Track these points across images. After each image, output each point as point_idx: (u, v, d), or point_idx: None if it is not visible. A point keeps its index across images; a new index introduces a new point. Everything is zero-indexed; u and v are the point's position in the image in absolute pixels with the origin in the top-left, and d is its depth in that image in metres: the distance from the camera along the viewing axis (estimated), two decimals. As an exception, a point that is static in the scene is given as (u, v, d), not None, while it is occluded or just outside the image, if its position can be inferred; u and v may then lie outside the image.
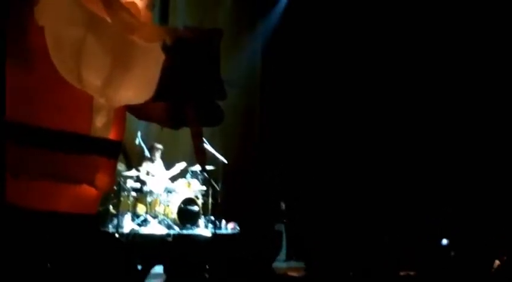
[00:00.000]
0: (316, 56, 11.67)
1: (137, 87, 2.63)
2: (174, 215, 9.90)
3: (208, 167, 9.64)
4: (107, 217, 9.34)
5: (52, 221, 2.64)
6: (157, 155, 10.45)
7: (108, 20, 2.54)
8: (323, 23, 11.41)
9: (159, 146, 10.43)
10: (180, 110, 2.79)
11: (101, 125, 2.66)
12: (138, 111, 2.98)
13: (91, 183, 2.69)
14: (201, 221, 10.28)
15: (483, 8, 9.26)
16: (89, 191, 2.73)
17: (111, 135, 2.76)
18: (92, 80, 2.52)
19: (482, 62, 9.51)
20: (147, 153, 10.33)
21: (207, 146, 9.47)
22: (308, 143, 11.63)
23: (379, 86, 10.70)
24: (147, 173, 10.14)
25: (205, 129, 2.85)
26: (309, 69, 11.81)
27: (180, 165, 10.37)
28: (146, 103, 2.73)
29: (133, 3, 2.68)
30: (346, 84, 11.19)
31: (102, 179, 2.74)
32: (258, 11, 13.22)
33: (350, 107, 11.14)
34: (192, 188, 10.45)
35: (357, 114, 11.03)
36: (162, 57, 2.63)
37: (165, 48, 2.63)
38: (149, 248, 9.26)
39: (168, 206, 10.07)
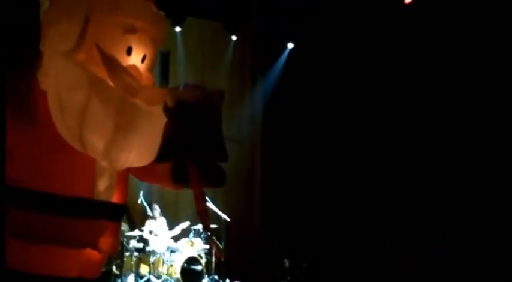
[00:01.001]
0: (316, 108, 11.73)
1: (140, 149, 2.63)
2: (178, 275, 9.80)
3: (211, 226, 9.63)
4: (110, 278, 9.26)
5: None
6: (156, 213, 10.42)
7: (111, 83, 2.55)
8: (323, 75, 11.50)
9: (156, 205, 10.40)
10: (182, 171, 2.80)
11: (103, 188, 2.66)
12: (141, 173, 2.98)
13: (95, 247, 2.68)
14: (205, 281, 10.17)
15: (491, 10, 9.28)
16: (93, 255, 2.71)
17: (115, 198, 2.75)
18: (95, 143, 2.52)
19: (491, 66, 9.50)
20: (149, 212, 10.30)
21: (210, 204, 9.44)
22: (311, 197, 11.59)
23: (380, 131, 10.71)
24: (150, 232, 10.10)
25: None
26: (309, 121, 11.86)
27: (183, 225, 10.32)
28: (149, 165, 2.73)
29: (135, 66, 2.70)
30: (347, 133, 11.22)
31: (106, 242, 2.73)
32: (258, 66, 13.33)
33: (351, 156, 11.13)
34: (196, 247, 10.37)
35: (358, 165, 11.01)
36: (164, 119, 2.65)
37: (167, 111, 2.64)
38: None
39: (171, 265, 9.98)
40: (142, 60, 2.79)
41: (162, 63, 10.74)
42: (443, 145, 9.79)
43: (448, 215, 9.39)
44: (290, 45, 12.94)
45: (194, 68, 12.40)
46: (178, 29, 11.95)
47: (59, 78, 2.54)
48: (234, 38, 12.87)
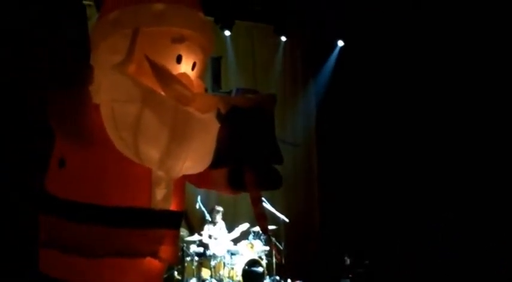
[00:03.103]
0: (369, 106, 11.62)
1: (195, 157, 2.65)
2: (239, 278, 9.81)
3: (270, 227, 9.60)
4: (172, 283, 9.36)
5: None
6: (219, 217, 10.43)
7: (162, 93, 2.57)
8: (375, 73, 11.39)
9: (220, 208, 10.42)
10: (238, 177, 2.80)
11: (161, 197, 2.68)
12: (197, 180, 2.99)
13: (155, 256, 2.70)
14: (267, 282, 10.18)
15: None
16: (153, 264, 2.73)
17: (172, 206, 2.77)
18: (151, 153, 2.54)
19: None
20: (208, 217, 10.33)
21: (267, 206, 9.43)
22: (369, 194, 11.49)
23: (434, 129, 10.56)
24: (209, 237, 10.13)
25: (264, 189, 2.85)
26: (363, 119, 11.75)
27: (242, 227, 10.32)
28: (204, 172, 2.75)
29: (185, 75, 2.71)
30: (402, 131, 11.08)
31: (166, 250, 2.74)
32: (310, 66, 13.25)
33: (407, 153, 11.00)
34: (255, 249, 10.37)
35: (414, 162, 10.88)
36: (217, 126, 2.65)
37: (220, 117, 2.65)
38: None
39: (232, 268, 10.00)
40: (193, 68, 2.80)
41: (214, 69, 10.75)
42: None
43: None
44: (340, 43, 12.85)
45: (245, 71, 12.39)
46: (227, 33, 11.97)
47: (111, 91, 2.57)
48: (283, 39, 12.84)
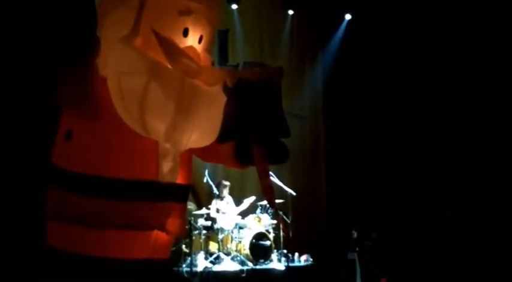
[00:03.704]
0: (376, 79, 11.60)
1: (201, 130, 2.65)
2: (247, 251, 9.86)
3: (277, 201, 9.62)
4: (180, 257, 9.38)
5: (127, 268, 2.66)
6: (226, 191, 10.46)
7: (169, 66, 2.57)
8: (382, 47, 11.35)
9: (227, 182, 10.44)
10: (245, 150, 2.80)
11: (168, 170, 2.68)
12: (204, 153, 2.99)
13: (162, 229, 2.71)
14: (274, 255, 10.21)
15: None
16: (161, 236, 2.74)
17: (179, 180, 2.78)
18: (157, 126, 2.54)
19: None
20: (215, 191, 10.36)
21: (275, 180, 9.45)
22: (376, 167, 11.50)
23: (442, 109, 10.54)
24: (217, 211, 10.17)
25: (271, 163, 2.84)
26: (370, 92, 11.74)
27: (249, 200, 10.35)
28: (211, 145, 2.75)
29: (192, 48, 2.70)
30: (408, 105, 11.06)
31: (173, 223, 2.75)
32: (317, 40, 13.23)
33: (413, 128, 10.99)
34: (263, 223, 10.41)
35: (421, 133, 10.87)
36: (224, 99, 2.65)
37: (227, 90, 2.64)
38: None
39: (239, 242, 10.04)
40: (199, 41, 2.79)
41: (221, 42, 10.72)
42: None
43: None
44: (348, 17, 12.79)
45: (252, 45, 12.37)
46: (234, 6, 11.93)
47: (118, 64, 2.57)
48: (290, 12, 12.79)
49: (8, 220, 3.24)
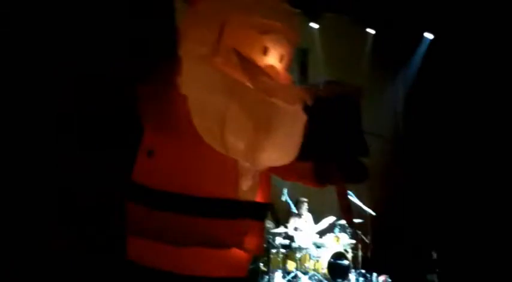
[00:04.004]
0: (458, 101, 11.40)
1: (281, 149, 2.65)
2: (324, 270, 9.81)
3: (356, 220, 9.55)
4: (257, 275, 9.40)
5: (205, 286, 2.69)
6: (304, 209, 10.45)
7: (249, 85, 2.58)
8: (465, 67, 11.16)
9: (304, 199, 10.43)
10: (324, 169, 2.79)
11: (247, 188, 2.69)
12: (283, 172, 2.99)
13: (240, 247, 2.72)
14: (352, 275, 10.12)
15: None
16: (238, 254, 2.75)
17: (258, 198, 2.79)
18: (237, 144, 2.56)
19: None
20: (293, 209, 10.36)
21: (353, 199, 9.39)
22: (458, 188, 11.28)
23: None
24: (295, 229, 10.16)
25: (351, 182, 2.82)
26: (451, 114, 11.55)
27: (329, 220, 10.31)
28: (290, 164, 2.75)
29: (272, 67, 2.72)
30: (491, 127, 10.83)
31: (251, 241, 2.76)
32: (398, 59, 13.13)
33: (494, 150, 10.74)
34: (341, 242, 10.35)
35: (500, 159, 10.61)
36: (304, 118, 2.65)
37: (307, 109, 2.64)
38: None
39: (317, 261, 10.00)
40: (280, 60, 2.80)
41: (301, 61, 10.77)
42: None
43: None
44: (429, 36, 12.63)
45: (333, 64, 12.36)
46: (315, 25, 11.96)
47: (198, 82, 2.60)
48: (371, 31, 12.73)
49: (89, 236, 3.31)
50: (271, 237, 9.67)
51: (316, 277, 9.77)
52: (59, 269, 2.70)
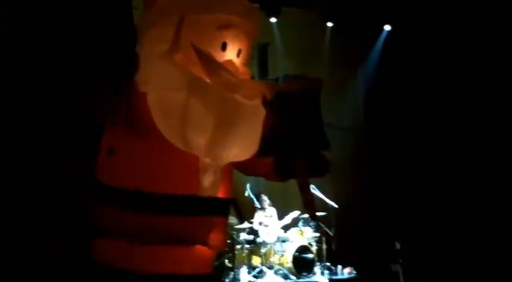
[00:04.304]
0: (418, 90, 11.49)
1: (241, 144, 2.65)
2: (290, 264, 9.83)
3: (319, 214, 9.57)
4: (222, 271, 9.38)
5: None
6: (268, 204, 10.45)
7: (209, 81, 2.58)
8: (424, 57, 11.26)
9: (265, 197, 10.43)
10: (285, 163, 2.79)
11: (208, 184, 2.69)
12: (245, 167, 2.99)
13: (204, 243, 2.71)
14: (317, 268, 10.15)
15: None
16: (203, 251, 2.74)
17: (220, 193, 2.78)
18: (197, 141, 2.55)
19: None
20: (257, 204, 10.36)
21: (316, 192, 9.41)
22: (420, 178, 11.38)
23: (489, 118, 10.39)
24: (260, 224, 10.16)
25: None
26: (412, 102, 11.63)
27: (293, 214, 10.33)
28: (252, 159, 2.74)
29: (231, 62, 2.71)
30: (452, 114, 10.94)
31: (215, 238, 2.76)
32: (357, 51, 13.17)
33: (454, 138, 10.86)
34: (305, 236, 10.37)
35: (462, 146, 10.73)
36: (263, 113, 2.64)
37: (266, 103, 2.64)
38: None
39: (282, 255, 10.01)
40: (238, 55, 2.80)
41: (261, 56, 10.77)
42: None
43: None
44: (387, 28, 12.72)
45: (293, 58, 12.36)
46: (273, 20, 11.95)
47: (158, 80, 2.59)
48: (329, 24, 12.77)
49: (52, 236, 3.27)
50: (235, 232, 9.66)
51: (281, 271, 9.78)
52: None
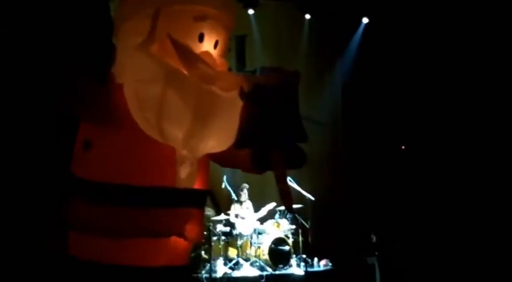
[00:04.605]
0: (396, 83, 11.54)
1: (218, 135, 2.65)
2: (266, 256, 9.85)
3: (296, 206, 9.58)
4: (199, 263, 9.37)
5: (146, 276, 2.66)
6: (245, 196, 10.44)
7: (186, 72, 2.57)
8: (402, 49, 11.30)
9: (245, 185, 10.42)
10: (262, 155, 2.79)
11: (185, 176, 2.68)
12: (221, 159, 2.99)
13: (181, 235, 2.71)
14: (293, 260, 10.18)
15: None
16: (179, 243, 2.74)
17: (197, 185, 2.78)
18: (174, 132, 2.55)
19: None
20: (234, 196, 10.35)
21: (293, 185, 9.42)
22: (396, 172, 11.44)
23: (466, 110, 10.46)
24: (236, 216, 10.16)
25: (290, 168, 2.83)
26: (390, 95, 11.68)
27: (269, 206, 10.34)
28: (229, 151, 2.74)
29: (208, 53, 2.71)
30: (429, 107, 11.00)
31: (191, 229, 2.75)
32: (335, 44, 13.17)
33: (432, 131, 10.93)
34: (282, 228, 10.39)
35: (442, 138, 10.80)
36: (240, 105, 2.64)
37: (243, 95, 2.63)
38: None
39: (259, 247, 10.02)
40: (215, 46, 2.79)
41: (238, 48, 10.73)
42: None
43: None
44: (365, 20, 12.75)
45: (270, 50, 12.35)
46: (251, 11, 11.93)
47: (134, 71, 2.58)
48: (308, 17, 12.77)
49: (29, 231, 3.26)
50: (212, 224, 9.66)
51: (257, 263, 9.80)
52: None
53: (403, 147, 11.57)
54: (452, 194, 10.09)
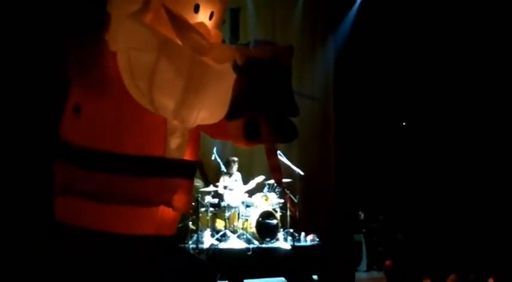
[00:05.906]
0: (388, 61, 11.53)
1: (210, 107, 2.65)
2: (253, 229, 9.86)
3: (285, 180, 9.60)
4: (186, 233, 9.39)
5: (133, 243, 2.68)
6: (234, 168, 10.43)
7: (179, 42, 2.56)
8: (395, 27, 11.28)
9: (235, 158, 10.42)
10: (253, 128, 2.79)
11: (175, 146, 2.69)
12: (212, 130, 2.99)
13: (169, 205, 2.72)
14: (280, 234, 10.20)
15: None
16: (167, 213, 2.75)
17: (186, 156, 2.78)
18: (165, 102, 2.54)
19: None
20: (223, 168, 10.35)
21: (283, 159, 9.42)
22: (385, 149, 11.48)
23: (457, 90, 10.47)
24: (225, 188, 10.16)
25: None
26: (382, 75, 11.68)
27: (258, 179, 10.34)
28: (220, 122, 2.75)
29: (203, 24, 2.70)
30: (421, 87, 11.01)
31: (179, 199, 2.76)
32: (329, 20, 13.13)
33: (424, 111, 10.95)
34: (270, 202, 10.39)
35: (432, 118, 10.82)
36: (233, 77, 2.64)
37: (236, 68, 2.63)
38: (229, 262, 9.25)
39: (246, 220, 10.02)
40: (210, 18, 2.79)
41: (232, 20, 10.67)
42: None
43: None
44: (361, -3, 12.72)
45: (264, 24, 12.30)
46: (247, -16, 11.87)
47: (128, 39, 2.56)
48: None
49: (14, 196, 3.26)
50: (200, 195, 9.66)
51: (244, 236, 9.81)
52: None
53: (403, 123, 11.59)
54: (443, 173, 10.14)
